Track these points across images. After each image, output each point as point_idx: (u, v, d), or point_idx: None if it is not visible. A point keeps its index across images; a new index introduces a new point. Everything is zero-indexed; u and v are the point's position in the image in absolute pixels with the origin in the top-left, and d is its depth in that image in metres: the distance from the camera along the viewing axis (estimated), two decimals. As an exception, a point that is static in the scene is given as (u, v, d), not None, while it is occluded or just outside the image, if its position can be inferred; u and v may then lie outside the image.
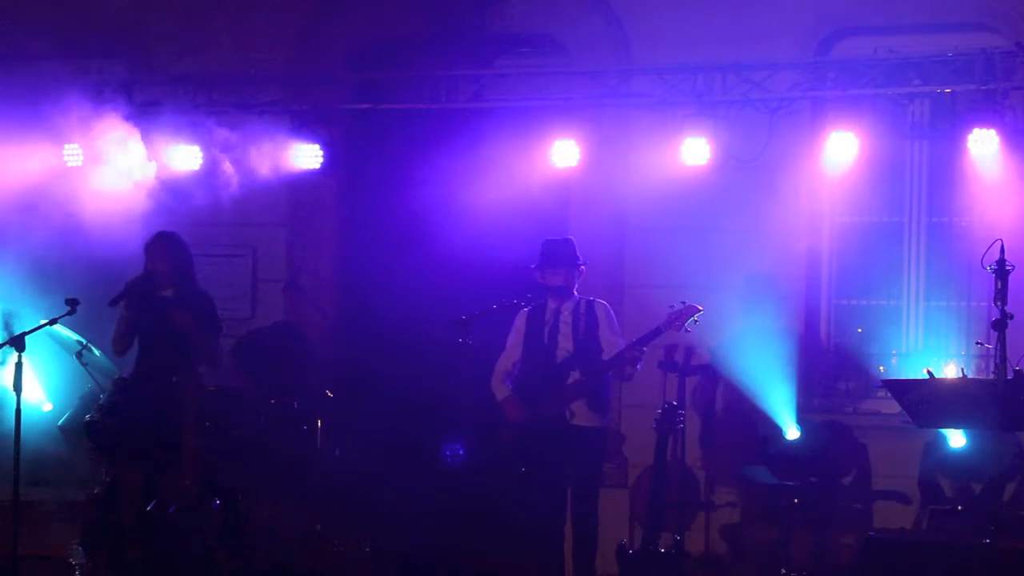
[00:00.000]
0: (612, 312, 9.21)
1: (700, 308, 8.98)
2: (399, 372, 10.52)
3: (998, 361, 8.26)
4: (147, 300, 9.39)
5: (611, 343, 9.05)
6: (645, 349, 8.99)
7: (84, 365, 10.11)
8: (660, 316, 9.04)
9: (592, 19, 10.87)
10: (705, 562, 9.82)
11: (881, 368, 10.52)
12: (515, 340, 9.25)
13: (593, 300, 9.19)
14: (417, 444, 10.32)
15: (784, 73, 10.19)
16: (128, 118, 10.59)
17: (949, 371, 10.06)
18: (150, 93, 10.85)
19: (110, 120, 10.53)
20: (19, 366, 8.18)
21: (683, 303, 8.98)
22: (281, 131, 10.76)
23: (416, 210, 10.82)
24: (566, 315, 9.12)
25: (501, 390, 9.18)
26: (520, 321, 9.25)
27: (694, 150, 10.16)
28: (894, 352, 10.58)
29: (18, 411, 8.17)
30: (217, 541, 9.32)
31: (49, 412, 10.72)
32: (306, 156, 10.82)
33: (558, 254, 9.16)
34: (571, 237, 9.43)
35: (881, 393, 10.09)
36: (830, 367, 10.68)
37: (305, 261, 11.29)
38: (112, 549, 9.30)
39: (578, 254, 9.18)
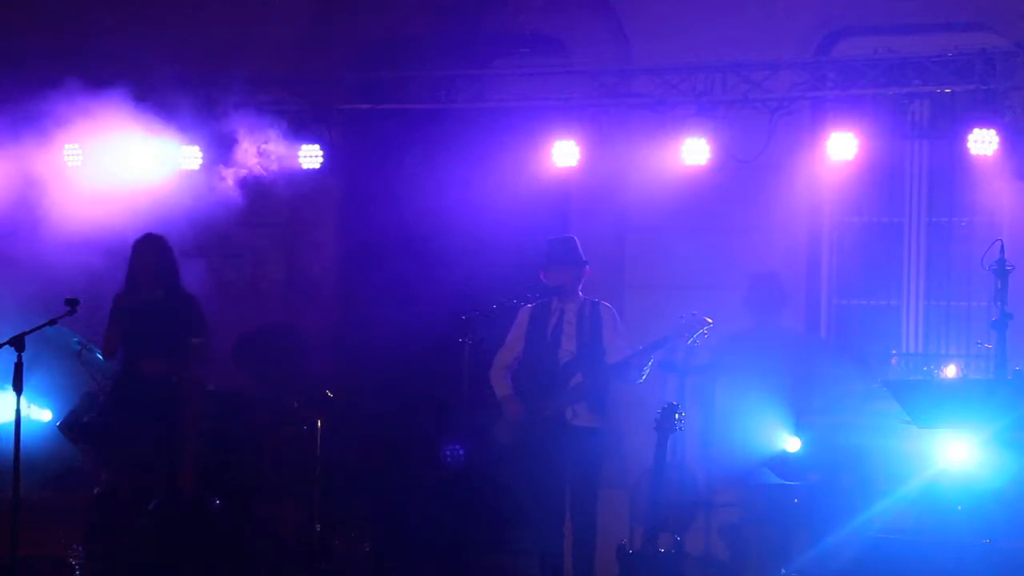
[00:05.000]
0: (617, 315, 9.18)
1: (709, 321, 8.90)
2: (399, 372, 10.52)
3: (998, 361, 8.26)
4: (134, 304, 9.43)
5: (615, 347, 9.03)
6: (651, 358, 8.96)
7: (84, 365, 10.11)
8: (663, 320, 9.02)
9: (592, 19, 10.87)
10: (705, 562, 9.82)
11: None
12: (516, 335, 9.23)
13: (598, 302, 9.17)
14: (417, 444, 10.32)
15: (784, 73, 10.18)
16: (128, 118, 10.59)
17: (949, 371, 10.06)
18: (150, 93, 10.84)
19: (110, 120, 10.53)
20: (19, 366, 8.17)
21: (693, 313, 8.90)
22: (281, 131, 10.76)
23: (416, 210, 10.82)
24: (570, 316, 9.10)
25: (501, 386, 9.17)
26: (523, 317, 9.23)
27: (694, 150, 10.15)
28: (894, 352, 10.57)
29: (18, 411, 8.16)
30: (217, 541, 9.32)
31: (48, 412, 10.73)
32: (306, 156, 10.82)
33: (562, 253, 9.15)
34: (575, 236, 9.40)
35: (881, 393, 10.08)
36: (830, 367, 10.67)
37: (305, 261, 11.28)
38: (112, 549, 9.31)
39: (582, 254, 9.16)
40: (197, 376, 9.54)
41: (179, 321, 9.46)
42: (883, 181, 10.56)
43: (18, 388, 8.14)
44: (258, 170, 10.74)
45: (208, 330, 9.66)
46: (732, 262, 10.22)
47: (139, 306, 9.44)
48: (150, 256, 9.51)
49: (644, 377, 9.01)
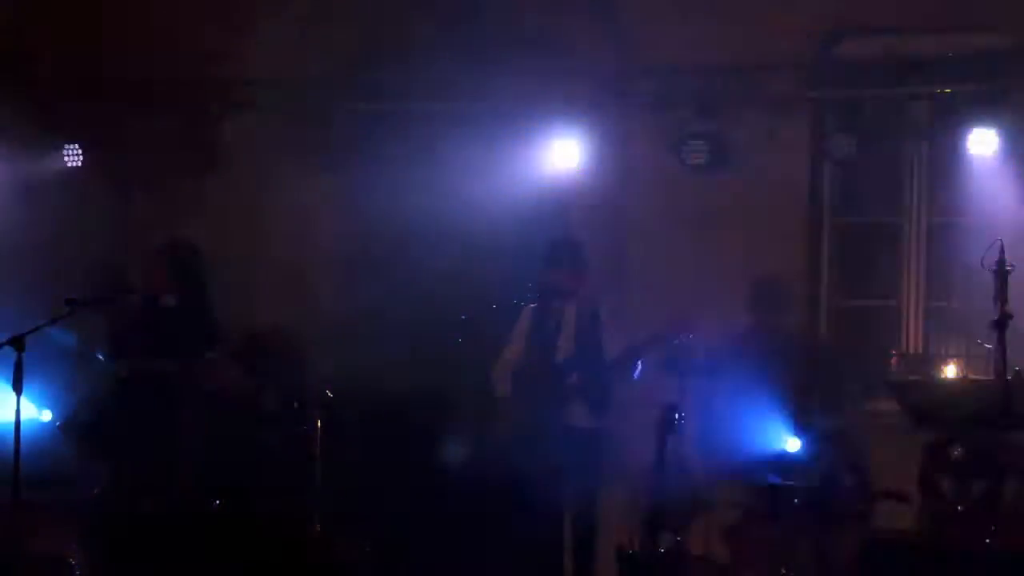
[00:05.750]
0: (615, 315, 9.18)
1: (695, 320, 8.92)
2: (399, 371, 10.51)
3: (998, 361, 8.26)
4: (144, 309, 9.38)
5: (614, 346, 9.04)
6: (639, 357, 8.97)
7: (85, 365, 10.10)
8: (660, 318, 9.03)
9: (592, 19, 10.87)
10: (705, 562, 9.81)
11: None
12: (518, 335, 9.24)
13: (598, 302, 9.18)
14: (417, 443, 10.32)
15: (784, 73, 10.19)
16: (127, 117, 10.59)
17: (949, 371, 10.05)
18: (151, 93, 10.85)
19: (110, 119, 10.53)
20: (19, 366, 8.17)
21: (679, 314, 8.93)
22: (282, 131, 10.76)
23: (416, 210, 10.81)
24: (569, 316, 9.12)
25: (501, 386, 9.17)
26: (525, 317, 9.25)
27: (693, 150, 10.16)
28: (894, 352, 10.57)
29: (18, 411, 8.16)
30: (217, 541, 9.31)
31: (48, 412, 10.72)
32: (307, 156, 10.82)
33: (564, 254, 9.16)
34: (577, 238, 9.40)
35: (881, 393, 10.09)
36: (830, 367, 10.67)
37: (305, 261, 11.28)
38: (112, 549, 9.30)
39: (585, 255, 9.17)
40: (198, 377, 9.52)
41: (196, 332, 9.36)
42: (883, 181, 10.56)
43: (18, 388, 8.14)
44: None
45: (223, 344, 9.54)
46: (732, 262, 10.22)
47: (156, 312, 9.37)
48: (164, 263, 9.41)
49: (636, 376, 9.01)
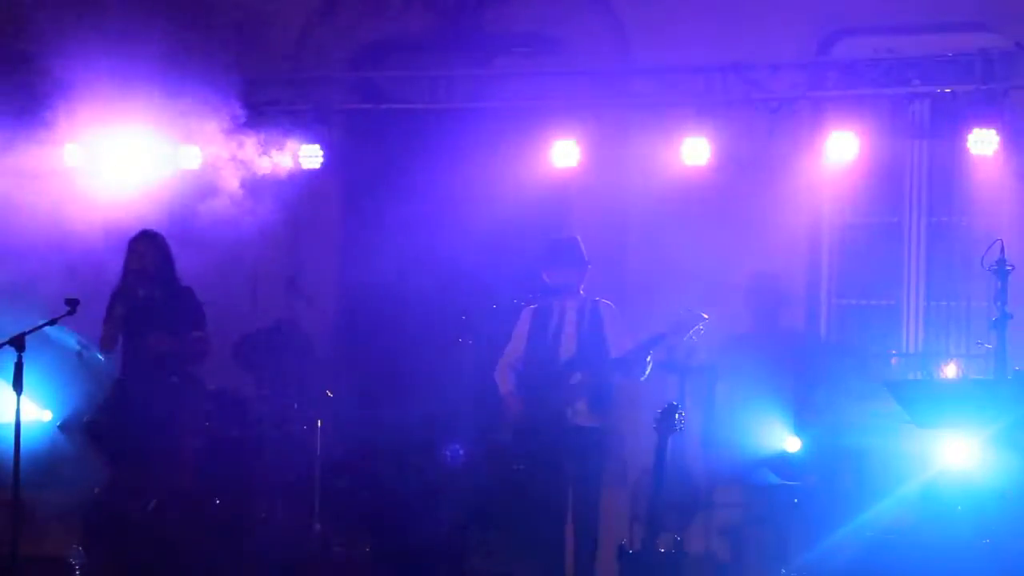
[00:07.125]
0: (617, 313, 9.18)
1: (705, 316, 8.90)
2: (399, 371, 10.52)
3: (998, 361, 8.26)
4: (133, 302, 9.43)
5: (616, 344, 9.04)
6: (650, 353, 8.95)
7: (84, 365, 10.11)
8: (662, 319, 9.02)
9: (592, 19, 10.87)
10: (705, 562, 9.82)
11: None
12: (519, 335, 9.23)
13: (598, 300, 9.17)
14: (417, 444, 10.32)
15: (784, 73, 10.19)
16: (128, 117, 10.58)
17: (949, 371, 10.05)
18: (150, 92, 10.83)
19: (110, 119, 10.52)
20: (19, 366, 8.17)
21: (688, 310, 8.91)
22: (281, 131, 10.76)
23: (416, 210, 10.82)
24: (571, 315, 9.11)
25: (504, 384, 9.17)
26: (526, 317, 9.24)
27: (694, 150, 10.16)
28: (894, 352, 10.57)
29: (18, 411, 8.16)
30: (217, 541, 9.33)
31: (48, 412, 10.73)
32: (306, 156, 10.82)
33: (564, 254, 9.16)
34: (577, 237, 9.40)
35: (881, 393, 10.08)
36: (830, 367, 10.67)
37: (305, 261, 11.28)
38: (112, 549, 9.31)
39: (584, 254, 9.17)
40: (196, 376, 9.54)
41: (178, 316, 9.47)
42: (883, 181, 10.55)
43: (18, 388, 8.14)
44: (258, 170, 10.74)
45: (206, 323, 9.66)
46: (732, 262, 10.22)
47: (138, 303, 9.45)
48: (147, 253, 9.52)
49: (647, 373, 9.00)
